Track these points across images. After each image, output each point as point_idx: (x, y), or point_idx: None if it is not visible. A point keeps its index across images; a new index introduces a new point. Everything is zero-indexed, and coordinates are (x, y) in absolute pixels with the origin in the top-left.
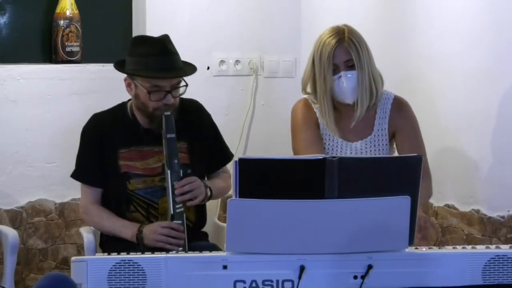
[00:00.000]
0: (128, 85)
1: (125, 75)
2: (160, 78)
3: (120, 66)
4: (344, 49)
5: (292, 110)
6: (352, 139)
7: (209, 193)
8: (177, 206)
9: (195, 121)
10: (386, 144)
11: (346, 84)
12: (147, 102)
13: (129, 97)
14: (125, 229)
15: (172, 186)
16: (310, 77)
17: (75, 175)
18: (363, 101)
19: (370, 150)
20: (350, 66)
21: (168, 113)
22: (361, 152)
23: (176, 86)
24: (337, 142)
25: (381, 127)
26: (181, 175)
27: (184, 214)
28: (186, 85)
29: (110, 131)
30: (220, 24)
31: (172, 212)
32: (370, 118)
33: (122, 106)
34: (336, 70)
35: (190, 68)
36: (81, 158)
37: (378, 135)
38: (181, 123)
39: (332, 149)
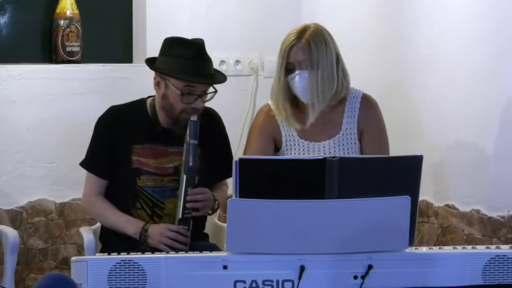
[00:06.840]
0: (157, 84)
1: (153, 73)
2: (197, 82)
3: (152, 64)
4: (300, 49)
5: (256, 114)
6: (320, 138)
7: (215, 206)
8: (186, 212)
9: (211, 129)
10: (355, 143)
11: (299, 83)
12: (177, 104)
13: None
14: (129, 224)
15: (186, 191)
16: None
17: (84, 163)
18: (314, 103)
19: (339, 150)
20: (305, 66)
21: (195, 119)
22: (330, 152)
23: (206, 92)
24: (303, 145)
25: (350, 125)
26: (196, 182)
27: (191, 221)
28: (215, 92)
29: (126, 125)
30: (220, 24)
31: (180, 217)
32: (339, 116)
33: (141, 102)
34: (292, 69)
35: (221, 76)
36: (92, 147)
37: (347, 134)
38: (199, 129)
39: (299, 153)
